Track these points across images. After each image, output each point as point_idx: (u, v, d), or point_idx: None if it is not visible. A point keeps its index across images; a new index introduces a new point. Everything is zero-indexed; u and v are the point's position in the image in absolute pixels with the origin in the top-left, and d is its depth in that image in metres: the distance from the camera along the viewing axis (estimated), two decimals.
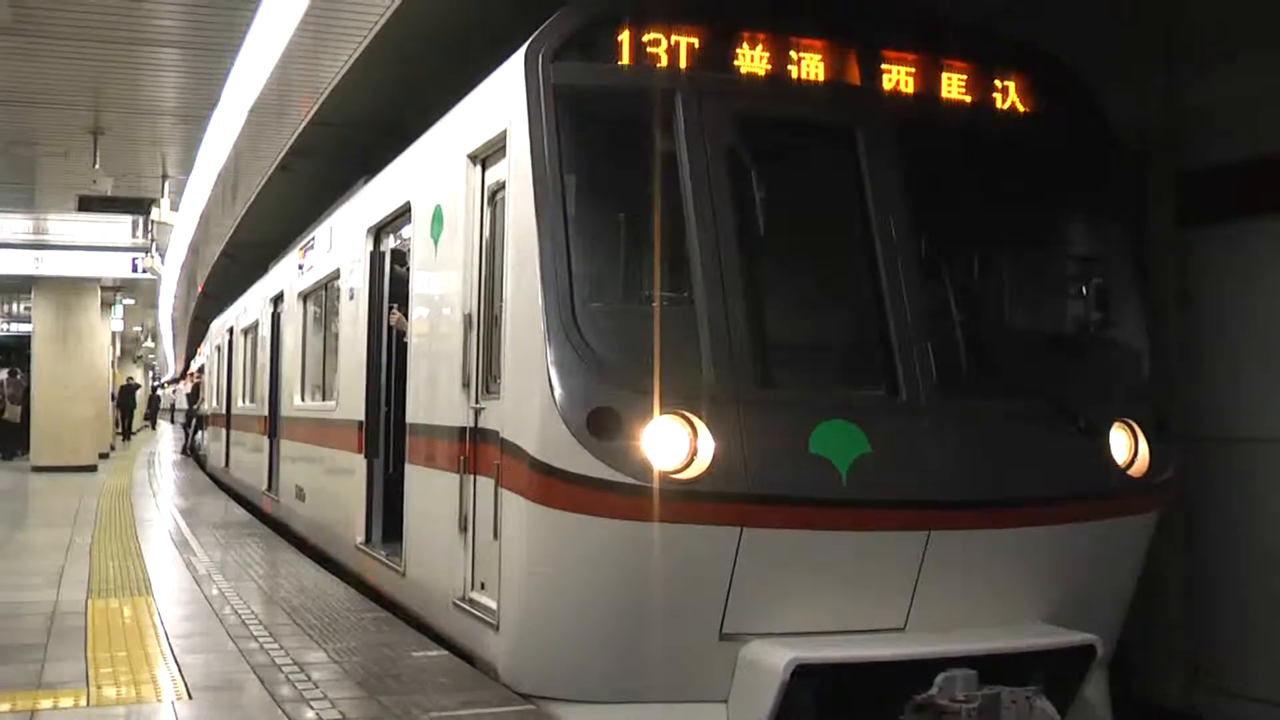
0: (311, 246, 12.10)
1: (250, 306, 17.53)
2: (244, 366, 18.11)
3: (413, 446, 7.68)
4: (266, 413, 14.66)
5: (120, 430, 38.26)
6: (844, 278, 6.16)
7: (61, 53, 8.96)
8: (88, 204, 14.79)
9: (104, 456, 25.52)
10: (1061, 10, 7.55)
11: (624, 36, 5.74)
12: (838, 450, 5.43)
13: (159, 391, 64.47)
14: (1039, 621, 5.88)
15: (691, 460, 5.24)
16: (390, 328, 8.83)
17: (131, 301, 28.27)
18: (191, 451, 29.20)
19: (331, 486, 10.39)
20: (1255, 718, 7.16)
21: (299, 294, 12.73)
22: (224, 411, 20.72)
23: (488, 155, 6.50)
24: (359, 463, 9.10)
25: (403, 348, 8.25)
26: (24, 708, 5.28)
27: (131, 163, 12.64)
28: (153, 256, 17.95)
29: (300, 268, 12.74)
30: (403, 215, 8.29)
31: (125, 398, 40.25)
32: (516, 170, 5.80)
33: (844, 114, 6.06)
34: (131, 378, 45.75)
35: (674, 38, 5.78)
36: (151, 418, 55.40)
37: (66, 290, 22.12)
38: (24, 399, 24.52)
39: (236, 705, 5.56)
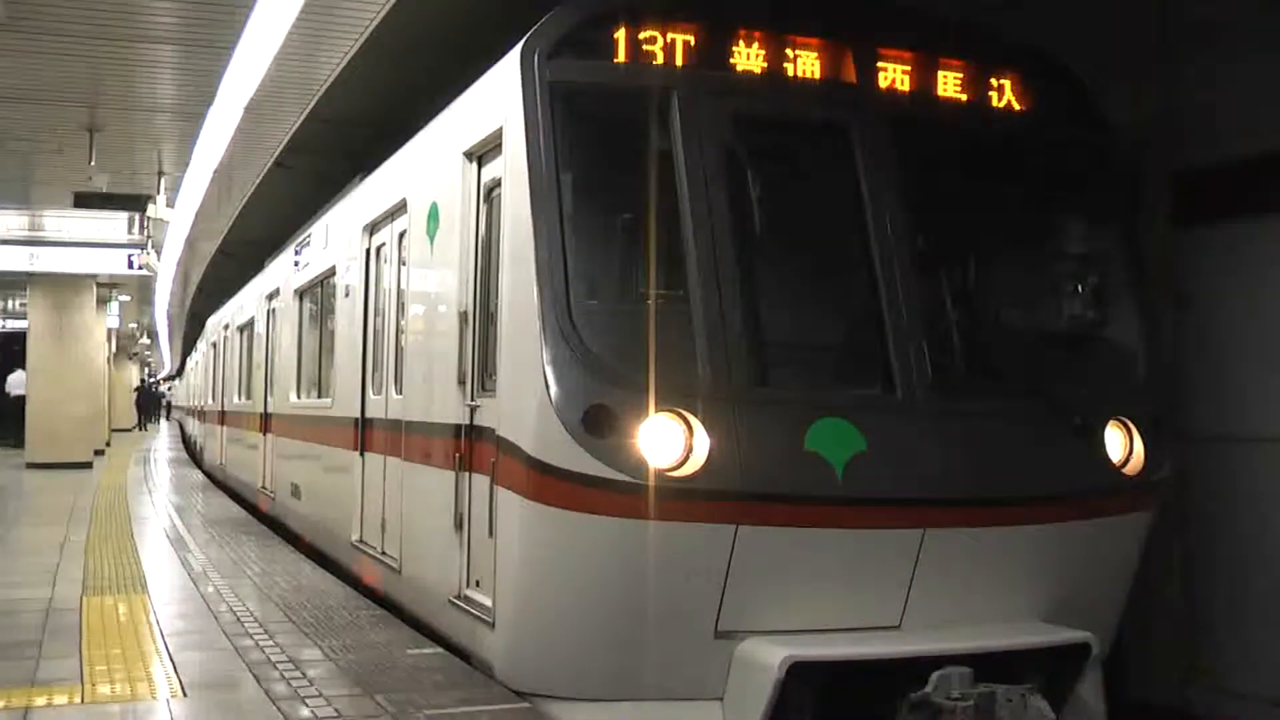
0: (307, 243, 12.08)
1: (246, 303, 17.51)
2: (240, 363, 18.09)
3: (408, 444, 7.67)
4: (262, 410, 14.66)
5: (140, 423, 48.12)
6: (840, 276, 6.16)
7: (57, 49, 8.93)
8: (83, 200, 14.76)
9: (99, 453, 25.48)
10: (1058, 8, 7.54)
11: (620, 34, 5.73)
12: (833, 448, 5.42)
13: (158, 388, 64.97)
14: (1034, 619, 5.88)
15: (687, 458, 5.23)
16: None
17: (127, 298, 28.26)
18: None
19: (328, 484, 10.39)
20: (1251, 717, 7.16)
21: (295, 291, 12.72)
22: (219, 408, 20.70)
23: (484, 152, 6.49)
24: (355, 460, 9.09)
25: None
26: (18, 705, 5.27)
27: (127, 159, 12.63)
28: (149, 253, 17.94)
29: (296, 264, 12.73)
30: (399, 212, 8.28)
31: (145, 397, 50.75)
32: (512, 167, 5.79)
33: (840, 112, 6.05)
34: (144, 379, 52.05)
35: (670, 35, 5.77)
36: (155, 414, 56.37)
37: (62, 287, 22.07)
38: None
39: (231, 703, 5.55)
